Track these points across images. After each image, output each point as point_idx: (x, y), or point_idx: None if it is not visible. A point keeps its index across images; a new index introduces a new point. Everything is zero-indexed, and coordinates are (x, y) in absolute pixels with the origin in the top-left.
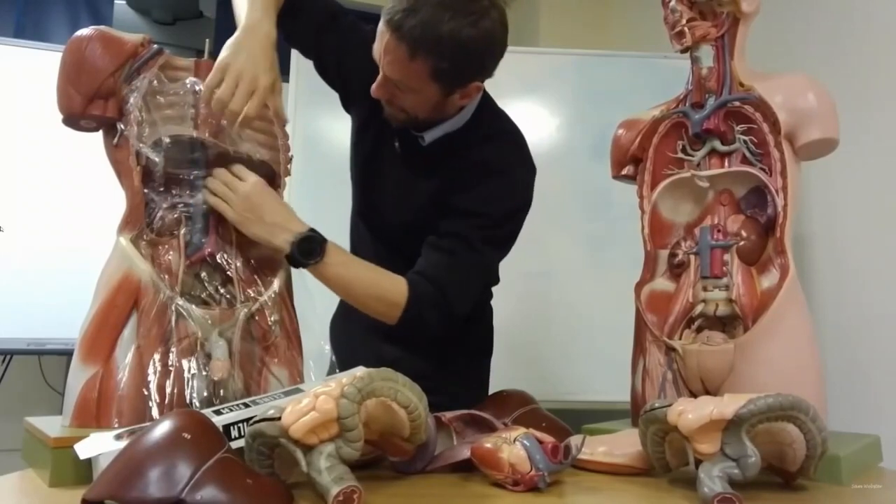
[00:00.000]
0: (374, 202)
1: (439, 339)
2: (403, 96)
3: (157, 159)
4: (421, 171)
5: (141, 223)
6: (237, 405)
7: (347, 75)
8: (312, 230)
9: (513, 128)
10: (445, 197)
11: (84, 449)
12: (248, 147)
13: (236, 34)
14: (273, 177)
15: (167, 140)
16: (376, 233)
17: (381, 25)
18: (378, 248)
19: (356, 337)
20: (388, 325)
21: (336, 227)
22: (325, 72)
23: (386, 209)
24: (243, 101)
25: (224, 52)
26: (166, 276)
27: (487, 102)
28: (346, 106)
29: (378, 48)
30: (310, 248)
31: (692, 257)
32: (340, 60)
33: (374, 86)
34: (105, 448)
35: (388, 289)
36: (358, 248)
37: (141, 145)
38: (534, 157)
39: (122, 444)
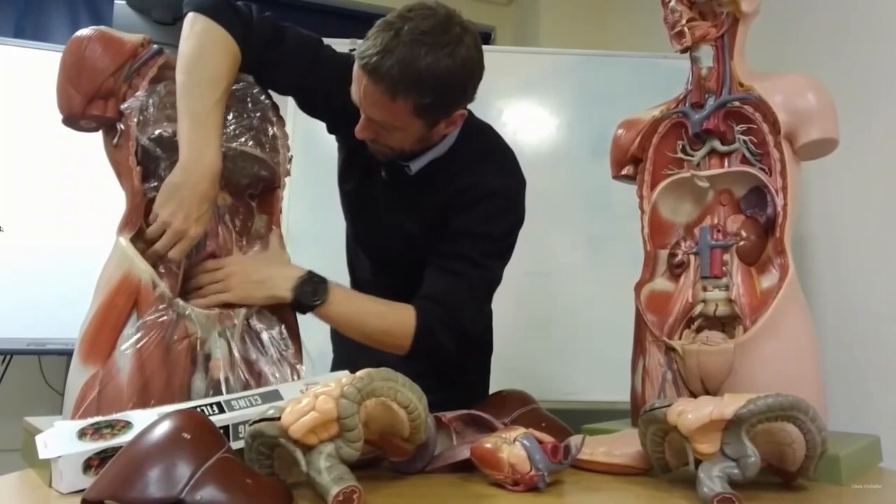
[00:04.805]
0: (367, 231)
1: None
2: (388, 135)
3: (158, 151)
4: (411, 200)
5: (141, 223)
6: (208, 405)
7: (335, 110)
8: (309, 271)
9: (499, 142)
10: (443, 220)
11: (44, 447)
12: (249, 146)
13: (175, 172)
14: (272, 176)
15: (167, 135)
16: (374, 259)
17: (356, 69)
18: (377, 271)
19: (354, 341)
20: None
21: (336, 226)
22: (309, 109)
23: (380, 238)
24: (166, 248)
25: (159, 197)
26: (166, 277)
27: (469, 121)
28: (332, 132)
29: (357, 92)
30: (313, 289)
31: (692, 257)
32: (328, 99)
33: (357, 128)
34: (66, 450)
35: (396, 319)
36: (356, 273)
37: (141, 136)
38: (534, 157)
39: (87, 447)
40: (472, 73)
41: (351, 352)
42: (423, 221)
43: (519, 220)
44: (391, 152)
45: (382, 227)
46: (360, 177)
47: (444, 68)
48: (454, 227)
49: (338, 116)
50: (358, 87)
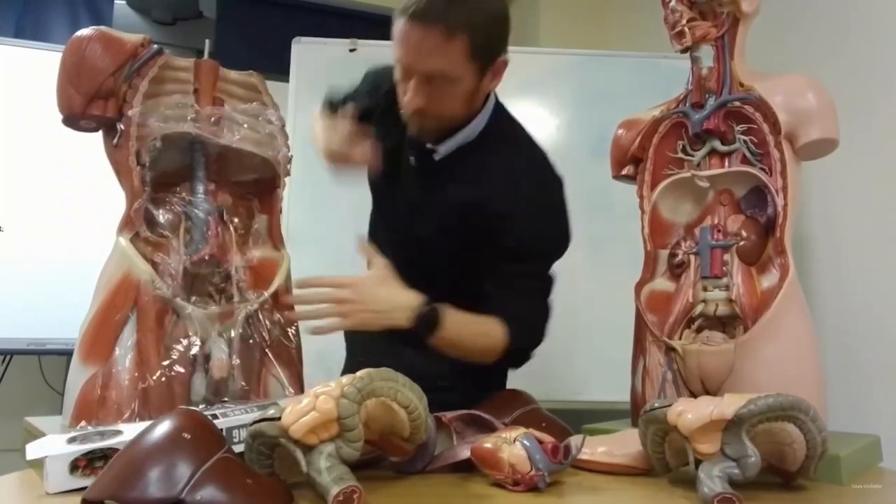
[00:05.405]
0: (392, 216)
1: None
2: (440, 95)
3: (156, 153)
4: (439, 185)
5: (141, 223)
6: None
7: (385, 112)
8: (425, 300)
9: (527, 138)
10: (465, 219)
11: (33, 450)
12: (248, 145)
13: None
14: (272, 176)
15: (167, 135)
16: (395, 244)
17: (400, 28)
18: (398, 257)
19: (375, 342)
20: (405, 329)
21: (335, 226)
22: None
23: (405, 223)
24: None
25: None
26: (166, 276)
27: (498, 109)
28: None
29: (405, 52)
30: (429, 319)
31: (692, 257)
32: (378, 110)
33: (407, 98)
34: (53, 451)
35: (492, 335)
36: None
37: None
38: None
39: (74, 448)
40: (508, 14)
41: (369, 351)
42: (450, 207)
43: (568, 227)
44: (436, 125)
45: (407, 213)
46: (388, 163)
47: (490, 6)
48: (509, 246)
49: (387, 117)
50: (406, 47)
